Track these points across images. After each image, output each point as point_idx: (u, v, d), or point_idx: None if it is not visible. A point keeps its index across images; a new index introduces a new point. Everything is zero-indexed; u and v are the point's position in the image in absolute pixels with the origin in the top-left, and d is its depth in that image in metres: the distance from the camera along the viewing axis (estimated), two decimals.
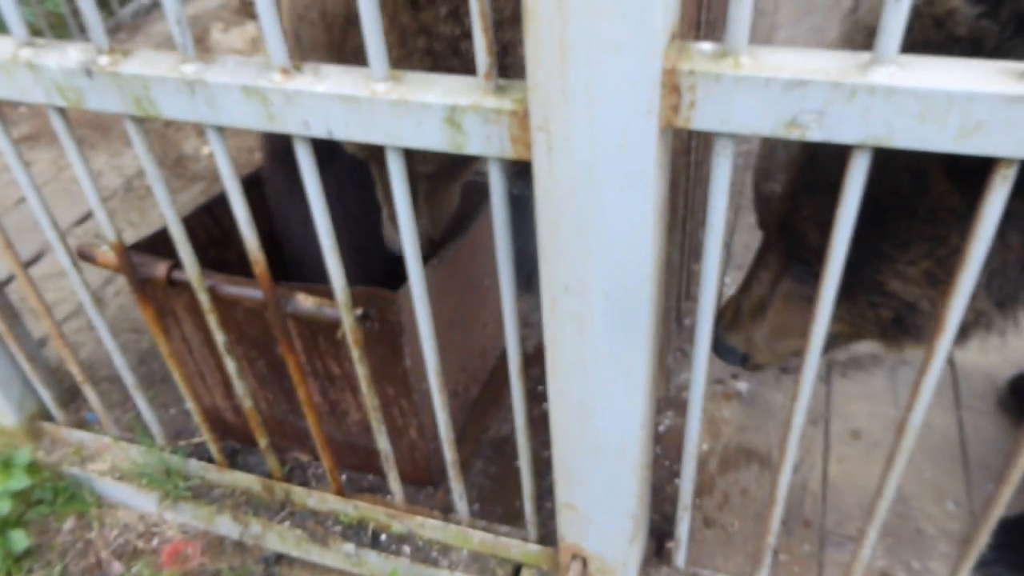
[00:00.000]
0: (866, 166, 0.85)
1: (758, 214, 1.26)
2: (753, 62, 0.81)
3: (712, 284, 1.02)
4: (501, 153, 0.94)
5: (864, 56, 0.78)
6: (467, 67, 1.25)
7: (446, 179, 1.57)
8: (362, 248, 1.83)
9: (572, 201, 0.91)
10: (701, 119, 0.84)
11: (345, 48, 1.29)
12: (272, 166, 1.82)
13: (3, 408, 1.84)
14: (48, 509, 1.86)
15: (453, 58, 1.27)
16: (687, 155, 1.67)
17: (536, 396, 1.87)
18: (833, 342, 1.30)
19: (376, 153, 1.41)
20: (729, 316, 1.35)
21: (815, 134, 0.82)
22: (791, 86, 0.79)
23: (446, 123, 0.93)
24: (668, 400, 1.93)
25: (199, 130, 3.12)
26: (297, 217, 1.80)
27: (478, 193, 1.87)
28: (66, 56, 1.11)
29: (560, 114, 0.85)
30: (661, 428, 1.87)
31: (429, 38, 1.25)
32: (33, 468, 1.85)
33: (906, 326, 1.18)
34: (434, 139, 0.95)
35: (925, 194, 1.03)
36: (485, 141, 0.93)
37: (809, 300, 1.25)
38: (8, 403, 1.83)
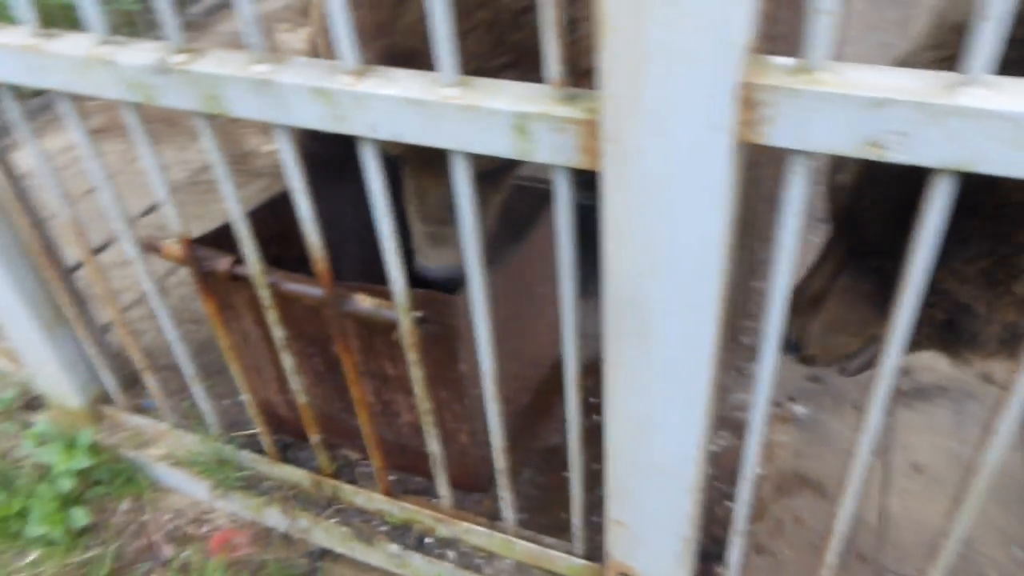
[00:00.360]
0: (949, 191, 0.81)
1: (828, 204, 1.23)
2: (833, 78, 0.78)
3: (780, 306, 0.99)
4: (569, 162, 0.92)
5: (951, 76, 0.75)
6: (530, 41, 1.22)
7: (489, 186, 1.51)
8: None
9: (640, 214, 0.89)
10: (777, 135, 0.81)
11: (396, 28, 1.24)
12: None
13: (69, 390, 1.90)
14: (106, 489, 1.91)
15: (516, 32, 1.23)
16: (752, 169, 1.62)
17: (588, 407, 1.84)
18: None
19: (413, 154, 1.34)
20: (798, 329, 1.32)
21: (896, 155, 0.78)
22: (873, 105, 0.76)
23: (514, 130, 0.92)
24: (722, 420, 1.89)
25: (262, 127, 3.17)
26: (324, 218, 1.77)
27: (538, 200, 1.85)
28: (141, 54, 1.13)
29: (633, 126, 0.83)
30: (715, 448, 1.83)
31: (492, 10, 1.21)
32: (94, 449, 1.90)
33: (960, 330, 1.14)
34: (501, 146, 0.94)
35: (992, 190, 0.98)
36: (553, 150, 0.92)
37: (867, 297, 1.21)
38: (74, 386, 1.88)
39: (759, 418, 1.14)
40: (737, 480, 1.24)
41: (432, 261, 1.46)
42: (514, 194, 1.89)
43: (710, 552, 1.53)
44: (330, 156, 1.44)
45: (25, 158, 2.20)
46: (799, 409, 1.90)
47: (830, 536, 1.21)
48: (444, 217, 1.45)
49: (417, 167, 1.42)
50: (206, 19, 4.01)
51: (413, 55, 1.21)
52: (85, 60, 1.16)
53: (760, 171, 1.74)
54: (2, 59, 1.25)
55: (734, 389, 1.95)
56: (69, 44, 1.19)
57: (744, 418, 1.89)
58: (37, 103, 3.29)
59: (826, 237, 1.29)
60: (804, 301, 1.30)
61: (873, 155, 0.79)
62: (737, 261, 1.65)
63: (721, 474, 1.77)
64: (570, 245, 1.04)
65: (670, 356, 1.04)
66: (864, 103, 0.76)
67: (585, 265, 1.11)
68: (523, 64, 1.24)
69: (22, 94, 1.39)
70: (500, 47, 1.24)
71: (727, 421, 1.89)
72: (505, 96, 0.93)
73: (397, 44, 1.22)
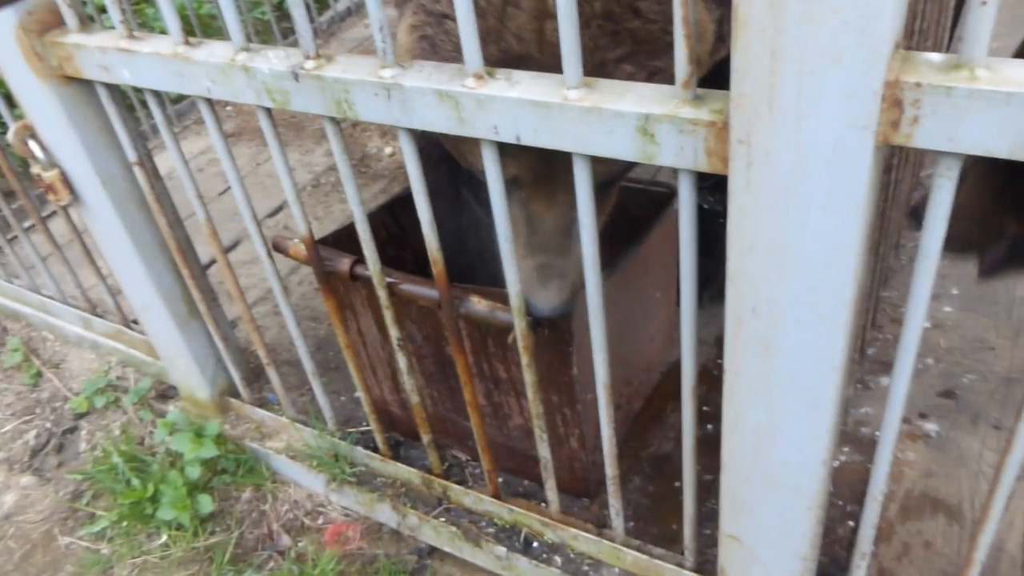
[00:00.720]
0: None
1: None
2: (991, 75, 0.72)
3: (919, 319, 0.93)
4: (694, 165, 0.90)
5: None
6: (647, 29, 1.19)
7: (599, 193, 1.43)
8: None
9: (769, 219, 0.86)
10: (924, 136, 0.76)
11: (505, 34, 1.21)
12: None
13: (199, 382, 2.00)
14: (230, 479, 2.01)
15: (633, 19, 1.20)
16: (886, 172, 1.54)
17: (701, 416, 1.80)
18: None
19: (529, 174, 1.30)
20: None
21: None
22: None
23: (638, 132, 0.90)
24: (845, 434, 1.80)
25: (383, 131, 3.27)
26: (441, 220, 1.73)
27: (653, 202, 1.83)
28: (276, 60, 1.18)
29: (764, 127, 0.80)
30: (836, 464, 1.75)
31: (608, 1, 1.19)
32: (220, 439, 2.00)
33: None
34: (624, 148, 0.93)
35: None
36: (678, 152, 0.90)
37: (997, 190, 1.17)
38: (204, 378, 1.99)
39: (890, 435, 1.08)
40: (859, 498, 1.17)
41: (543, 300, 1.35)
42: (629, 197, 1.86)
43: (830, 573, 1.46)
44: (451, 160, 1.45)
45: (166, 160, 2.36)
46: (931, 426, 1.79)
47: (968, 566, 1.13)
48: (556, 246, 1.37)
49: (530, 190, 1.36)
50: (333, 27, 4.17)
51: (524, 59, 1.21)
52: (226, 67, 1.22)
53: (894, 174, 1.65)
54: (153, 67, 1.33)
55: (858, 402, 1.85)
56: (211, 52, 1.26)
57: (868, 433, 1.80)
58: (176, 109, 3.51)
59: None
60: None
61: None
62: (867, 269, 1.57)
63: (842, 492, 1.69)
64: (692, 250, 1.02)
65: (795, 367, 1.00)
66: None
67: (701, 271, 1.08)
68: (640, 54, 1.21)
69: (162, 98, 1.47)
70: (617, 37, 1.21)
71: (849, 436, 1.80)
72: (630, 97, 0.91)
73: (509, 49, 1.21)
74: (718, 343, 2.10)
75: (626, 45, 1.21)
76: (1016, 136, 0.72)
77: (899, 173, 1.72)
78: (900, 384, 1.00)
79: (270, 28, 3.87)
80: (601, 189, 1.40)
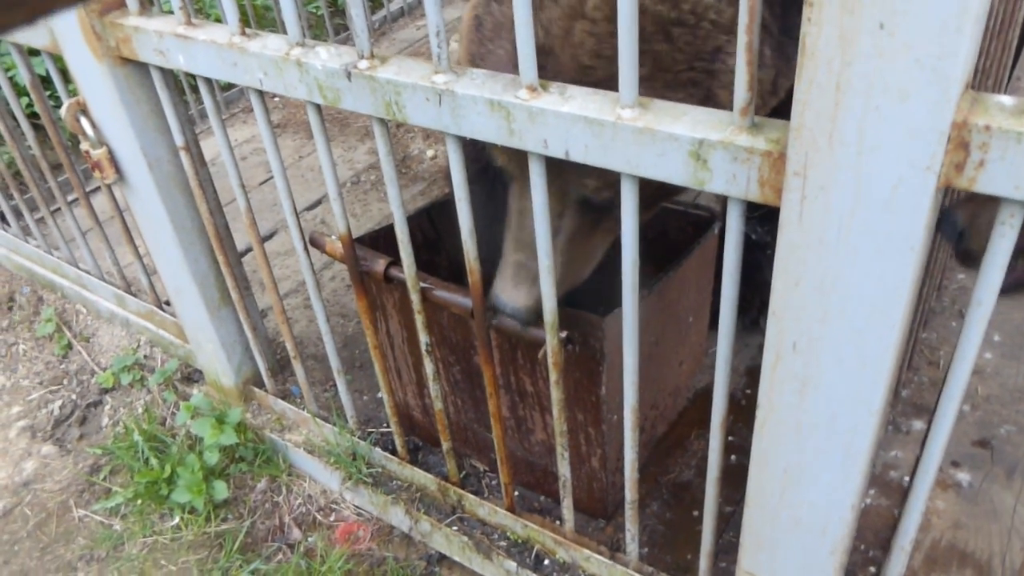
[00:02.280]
0: None
1: None
2: None
3: (967, 366, 0.90)
4: (746, 195, 0.88)
5: None
6: (673, 57, 1.16)
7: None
8: None
9: (819, 255, 0.84)
10: (989, 181, 0.74)
11: (565, 48, 1.18)
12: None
13: (225, 369, 2.01)
14: (247, 467, 2.02)
15: (663, 42, 1.16)
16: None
17: (726, 446, 1.77)
18: None
19: (520, 169, 1.26)
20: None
21: None
22: None
23: (691, 156, 0.89)
24: (873, 477, 1.76)
25: (426, 133, 3.27)
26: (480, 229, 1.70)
27: (693, 226, 1.80)
28: (330, 57, 1.18)
29: (822, 160, 0.78)
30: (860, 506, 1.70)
31: (640, 17, 1.17)
32: (241, 427, 2.01)
33: None
34: (675, 172, 0.91)
35: None
36: (730, 180, 0.88)
37: None
38: (230, 365, 2.00)
39: (924, 486, 1.05)
40: (883, 544, 1.14)
41: (509, 297, 1.34)
42: (669, 219, 1.84)
43: None
44: (494, 169, 1.44)
45: (211, 146, 2.38)
46: (963, 476, 1.74)
47: None
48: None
49: (519, 184, 1.33)
50: (385, 26, 4.19)
51: (543, 52, 1.16)
52: (280, 60, 1.23)
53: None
54: (208, 55, 1.34)
55: (889, 445, 1.81)
56: (265, 45, 1.27)
57: (897, 477, 1.75)
58: (225, 97, 3.54)
59: None
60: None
61: None
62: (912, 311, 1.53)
63: (866, 535, 1.65)
64: (735, 280, 1.00)
65: (832, 408, 0.97)
66: None
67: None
68: (657, 80, 1.17)
69: (213, 85, 1.48)
70: (640, 56, 1.18)
71: (877, 479, 1.75)
72: (685, 121, 0.90)
73: (563, 65, 1.19)
74: (748, 373, 2.07)
75: (646, 67, 1.15)
76: None
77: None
78: (939, 435, 0.97)
79: (323, 23, 3.90)
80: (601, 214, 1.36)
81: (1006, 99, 0.72)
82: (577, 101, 0.97)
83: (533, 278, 1.31)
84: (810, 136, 0.77)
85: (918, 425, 1.87)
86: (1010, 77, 1.90)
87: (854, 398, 0.95)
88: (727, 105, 1.21)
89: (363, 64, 1.13)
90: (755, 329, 2.01)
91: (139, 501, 2.00)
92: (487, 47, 1.27)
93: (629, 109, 0.92)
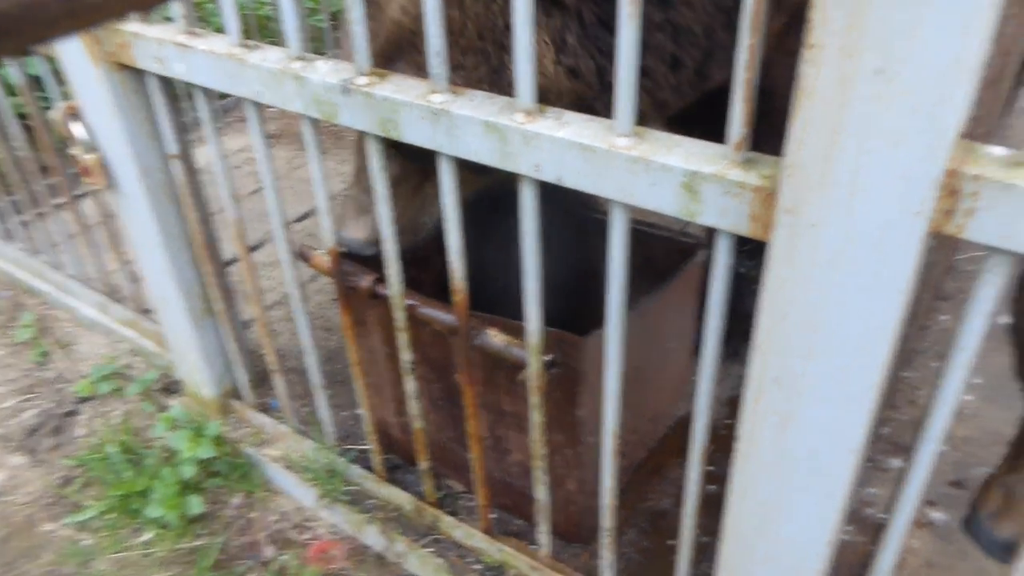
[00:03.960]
0: None
1: (1020, 361, 1.10)
2: None
3: (949, 410, 0.91)
4: (735, 228, 0.89)
5: None
6: (464, 23, 1.22)
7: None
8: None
9: (806, 292, 0.84)
10: (978, 230, 0.75)
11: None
12: None
13: (204, 380, 1.99)
14: (223, 482, 1.99)
15: (455, 8, 1.22)
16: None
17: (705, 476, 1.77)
18: None
19: None
20: (998, 501, 1.15)
21: None
22: None
23: (683, 188, 0.89)
24: (849, 514, 1.76)
25: None
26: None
27: (679, 253, 1.81)
28: (329, 72, 1.19)
29: (814, 200, 0.78)
30: None
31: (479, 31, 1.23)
32: (218, 441, 1.99)
33: None
34: (666, 202, 0.92)
35: None
36: (720, 213, 0.89)
37: None
38: (210, 376, 1.97)
39: (902, 524, 1.05)
40: None
41: (352, 230, 1.45)
42: (656, 245, 1.85)
43: None
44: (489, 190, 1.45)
45: (203, 153, 2.37)
46: (937, 515, 1.75)
47: None
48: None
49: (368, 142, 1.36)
50: None
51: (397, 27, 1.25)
52: (279, 74, 1.23)
53: (928, 257, 1.63)
54: (207, 65, 1.34)
55: (866, 481, 1.82)
56: (267, 57, 1.27)
57: (873, 514, 1.76)
58: (222, 104, 3.53)
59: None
60: (1021, 498, 1.12)
61: None
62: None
63: (839, 570, 1.65)
64: (721, 312, 1.00)
65: (812, 443, 0.97)
66: None
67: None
68: (450, 44, 1.22)
69: (210, 95, 1.48)
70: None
71: (853, 514, 1.76)
72: (678, 152, 0.90)
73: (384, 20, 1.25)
74: (730, 403, 2.08)
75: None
76: None
77: (933, 256, 1.70)
78: (917, 477, 0.98)
79: (323, 36, 3.90)
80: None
81: (998, 150, 0.74)
82: (573, 127, 0.98)
83: (368, 211, 1.43)
84: (803, 175, 0.78)
85: (896, 463, 1.88)
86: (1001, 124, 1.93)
87: (835, 435, 0.95)
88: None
89: (361, 80, 1.14)
90: (736, 359, 2.02)
91: (111, 515, 1.96)
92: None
93: (624, 138, 0.93)
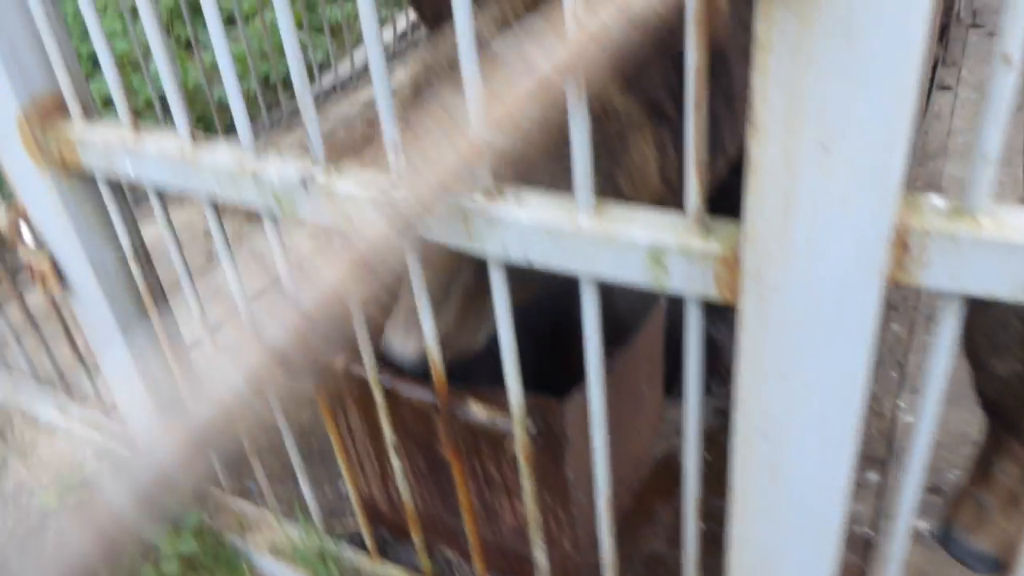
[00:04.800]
0: None
1: (984, 395, 1.15)
2: (993, 224, 0.75)
3: (924, 447, 0.94)
4: (703, 295, 0.92)
5: None
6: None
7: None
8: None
9: (779, 351, 0.87)
10: (930, 277, 0.79)
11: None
12: None
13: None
14: (208, 575, 1.94)
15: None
16: None
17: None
18: None
19: None
20: (970, 514, 1.20)
21: None
22: None
23: (649, 259, 0.92)
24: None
25: None
26: None
27: (641, 301, 1.84)
28: (287, 169, 1.19)
29: (775, 264, 0.82)
30: None
31: None
32: (199, 532, 1.94)
33: None
34: (634, 274, 0.95)
35: None
36: (687, 280, 0.91)
37: None
38: None
39: (898, 546, 1.08)
40: None
41: (401, 345, 1.35)
42: (617, 297, 1.88)
43: None
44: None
45: (152, 230, 2.30)
46: (923, 525, 1.79)
47: None
48: (441, 296, 1.34)
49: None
50: (317, 103, 4.22)
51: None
52: (233, 173, 1.23)
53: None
54: (157, 165, 1.33)
55: (851, 500, 1.85)
56: (216, 156, 1.27)
57: (860, 531, 1.79)
58: None
59: (987, 429, 1.19)
60: (993, 509, 1.16)
61: None
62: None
63: None
64: (698, 374, 1.03)
65: (802, 489, 1.00)
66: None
67: (676, 364, 1.08)
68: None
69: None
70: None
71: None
72: (640, 225, 0.93)
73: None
74: (707, 437, 2.10)
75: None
76: (1016, 281, 0.75)
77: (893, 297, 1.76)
78: (906, 502, 1.01)
79: (255, 100, 3.89)
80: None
81: (939, 202, 0.78)
82: (533, 208, 1.00)
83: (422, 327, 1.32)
84: (762, 242, 0.81)
85: (872, 477, 1.92)
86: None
87: (822, 478, 0.98)
88: (629, 193, 1.30)
89: (320, 177, 1.14)
90: (707, 394, 2.05)
91: None
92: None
93: (586, 215, 0.96)
